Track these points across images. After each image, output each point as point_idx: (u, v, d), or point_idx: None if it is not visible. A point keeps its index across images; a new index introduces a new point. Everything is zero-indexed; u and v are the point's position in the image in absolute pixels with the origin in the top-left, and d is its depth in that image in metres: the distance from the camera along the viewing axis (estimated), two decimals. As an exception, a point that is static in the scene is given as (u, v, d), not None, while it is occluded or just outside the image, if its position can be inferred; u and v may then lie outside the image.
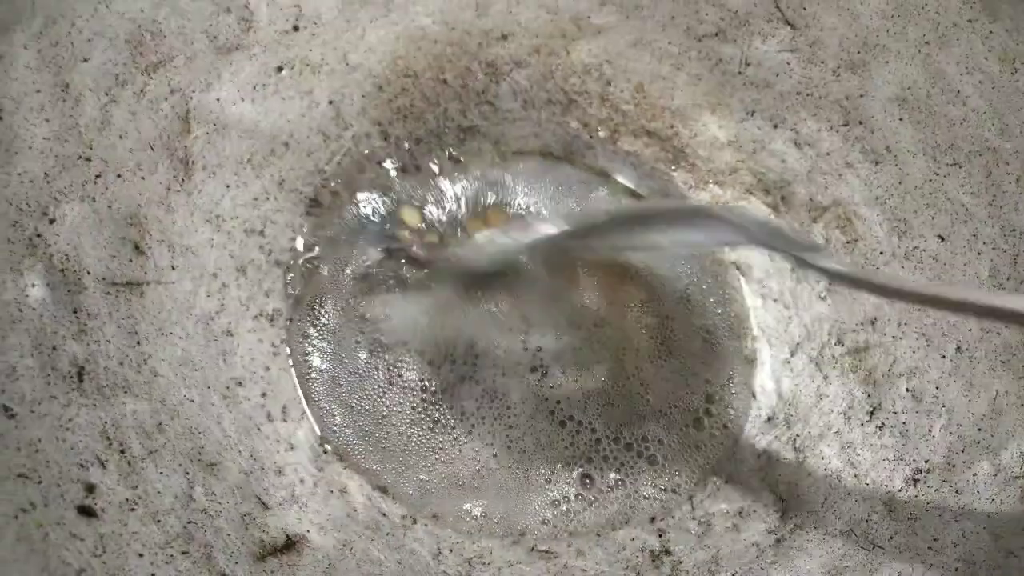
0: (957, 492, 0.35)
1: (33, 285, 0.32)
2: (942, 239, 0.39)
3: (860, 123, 0.41)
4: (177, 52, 0.38)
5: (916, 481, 0.36)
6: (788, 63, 0.42)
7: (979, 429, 0.36)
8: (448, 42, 0.43)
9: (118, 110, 0.36)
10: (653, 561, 0.36)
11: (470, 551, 0.36)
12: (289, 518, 0.34)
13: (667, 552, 0.36)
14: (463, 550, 0.35)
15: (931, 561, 0.34)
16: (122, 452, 0.31)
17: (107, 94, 0.36)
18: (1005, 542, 0.33)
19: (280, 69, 0.40)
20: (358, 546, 0.34)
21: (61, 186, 0.34)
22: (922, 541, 0.34)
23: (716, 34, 0.43)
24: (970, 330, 0.38)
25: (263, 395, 0.36)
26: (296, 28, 0.41)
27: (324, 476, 0.36)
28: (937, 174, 0.40)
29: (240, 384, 0.36)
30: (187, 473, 0.32)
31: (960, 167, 0.40)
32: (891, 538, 0.35)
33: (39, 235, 0.33)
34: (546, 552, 0.36)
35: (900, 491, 0.36)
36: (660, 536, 0.37)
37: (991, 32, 0.40)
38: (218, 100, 0.39)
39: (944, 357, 0.38)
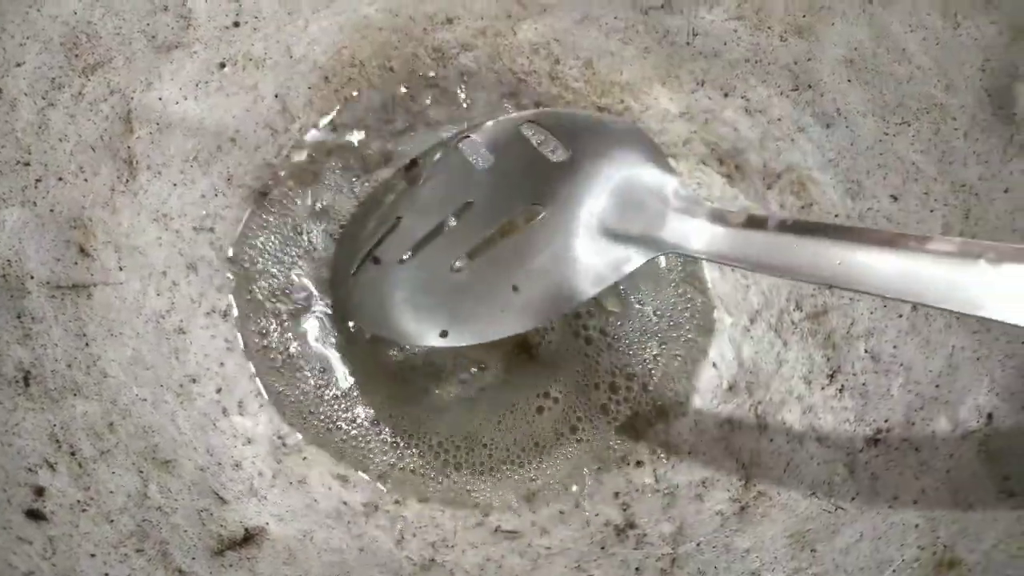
0: (916, 449, 0.35)
1: (-27, 292, 0.32)
2: (895, 199, 0.39)
3: (809, 87, 0.41)
4: (115, 52, 0.37)
5: (877, 441, 0.36)
6: (735, 31, 0.42)
7: (936, 386, 0.36)
8: (393, 29, 0.43)
9: (56, 113, 0.36)
10: (618, 535, 0.36)
11: (433, 535, 0.35)
12: (248, 511, 0.34)
13: (632, 525, 0.36)
14: (426, 535, 0.35)
15: (892, 519, 0.34)
16: (72, 454, 0.31)
17: (43, 98, 0.35)
18: (964, 496, 0.33)
19: (223, 65, 0.40)
20: (319, 535, 0.34)
21: None
22: (883, 500, 0.34)
23: (662, 6, 0.43)
24: (925, 287, 0.38)
25: (218, 391, 0.36)
26: (237, 24, 0.40)
27: (283, 468, 0.36)
28: (887, 134, 0.40)
29: (194, 381, 0.36)
30: (141, 472, 0.32)
31: (909, 125, 0.39)
32: (853, 498, 0.35)
33: (-22, 242, 0.33)
34: (510, 532, 0.36)
35: (861, 452, 0.36)
36: (624, 510, 0.37)
37: (933, -14, 0.40)
38: (160, 99, 0.38)
39: (901, 316, 0.38)
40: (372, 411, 0.38)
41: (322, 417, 0.37)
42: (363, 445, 0.37)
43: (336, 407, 0.38)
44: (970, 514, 0.33)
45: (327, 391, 0.38)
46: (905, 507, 0.34)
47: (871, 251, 0.29)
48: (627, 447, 0.38)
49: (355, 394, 0.38)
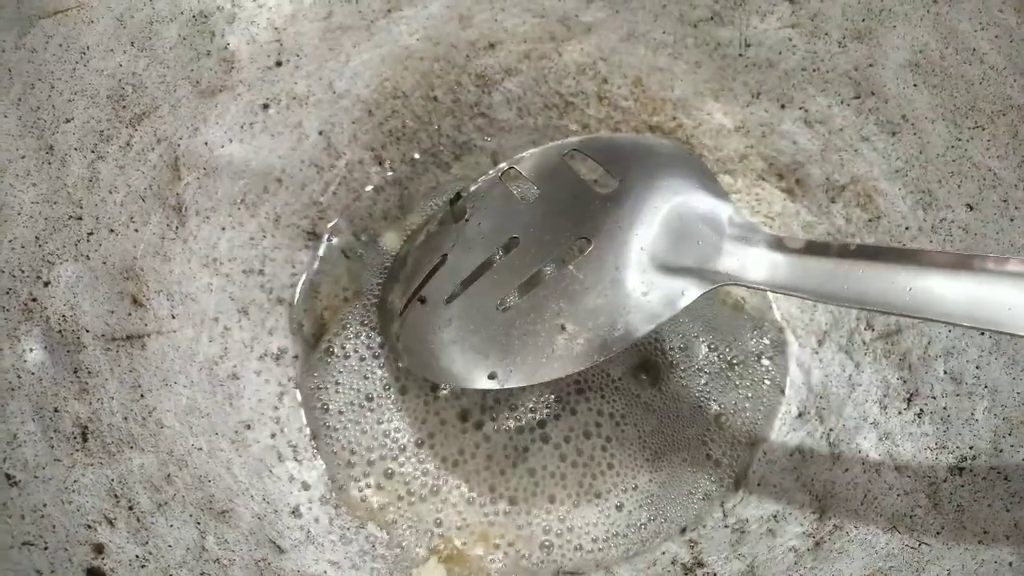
0: (1006, 479, 0.33)
1: (31, 350, 0.32)
2: (971, 208, 0.37)
3: (872, 94, 0.39)
4: (160, 101, 0.38)
5: (961, 469, 0.34)
6: (790, 39, 0.40)
7: (1025, 409, 0.33)
8: (435, 58, 0.42)
9: (105, 166, 0.36)
10: (686, 574, 0.35)
11: (494, 579, 0.35)
12: (305, 559, 0.33)
13: (700, 564, 0.35)
14: (486, 579, 0.35)
15: (982, 556, 0.31)
16: (130, 508, 0.31)
17: (93, 151, 0.36)
18: (1061, 530, 0.31)
19: (267, 106, 0.40)
20: (378, 583, 0.33)
21: (53, 248, 0.34)
22: (971, 534, 0.32)
23: (711, 18, 0.41)
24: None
25: (272, 436, 0.36)
26: (279, 63, 0.40)
27: (340, 513, 0.35)
28: (959, 139, 0.37)
29: (248, 427, 0.36)
30: (198, 523, 0.32)
31: (983, 129, 0.37)
32: (938, 533, 0.33)
33: (34, 299, 0.33)
34: (573, 573, 0.35)
35: (945, 481, 0.34)
36: (692, 547, 0.35)
37: (1003, -19, 0.37)
38: (206, 144, 0.39)
39: (983, 334, 0.35)
40: (434, 455, 0.37)
41: (381, 467, 0.37)
42: (420, 490, 0.37)
43: (398, 453, 0.37)
44: (1069, 550, 0.30)
45: (387, 436, 0.37)
46: (996, 542, 0.32)
47: (943, 276, 0.27)
48: (693, 480, 0.37)
49: (418, 442, 0.37)
